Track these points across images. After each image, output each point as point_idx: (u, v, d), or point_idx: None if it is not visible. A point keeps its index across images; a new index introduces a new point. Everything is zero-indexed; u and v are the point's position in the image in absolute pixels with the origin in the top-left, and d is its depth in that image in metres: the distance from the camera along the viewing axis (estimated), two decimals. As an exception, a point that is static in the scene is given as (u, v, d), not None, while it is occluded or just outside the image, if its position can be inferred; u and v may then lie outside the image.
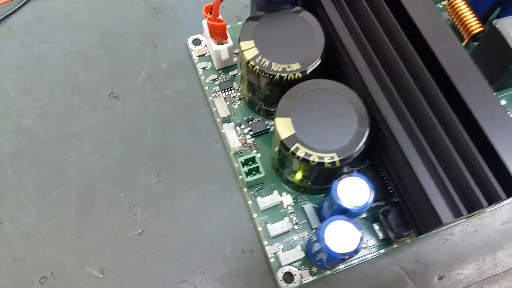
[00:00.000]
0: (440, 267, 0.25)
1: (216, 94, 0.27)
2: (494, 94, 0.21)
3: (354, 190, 0.21)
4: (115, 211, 0.26)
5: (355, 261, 0.24)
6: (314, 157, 0.21)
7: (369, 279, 0.24)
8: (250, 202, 0.25)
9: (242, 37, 0.23)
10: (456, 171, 0.20)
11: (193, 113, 0.28)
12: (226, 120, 0.27)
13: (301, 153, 0.21)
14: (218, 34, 0.26)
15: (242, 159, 0.24)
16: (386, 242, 0.24)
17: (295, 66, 0.23)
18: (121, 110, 0.28)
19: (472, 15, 0.28)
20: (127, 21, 0.31)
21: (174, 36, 0.30)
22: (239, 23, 0.30)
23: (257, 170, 0.24)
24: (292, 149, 0.21)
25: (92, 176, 0.26)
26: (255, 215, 0.25)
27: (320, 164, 0.21)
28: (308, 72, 0.23)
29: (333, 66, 0.24)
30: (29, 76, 0.29)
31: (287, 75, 0.23)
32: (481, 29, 0.28)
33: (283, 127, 0.21)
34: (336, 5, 0.24)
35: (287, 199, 0.25)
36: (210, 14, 0.25)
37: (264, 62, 0.23)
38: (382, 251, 0.24)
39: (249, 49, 0.23)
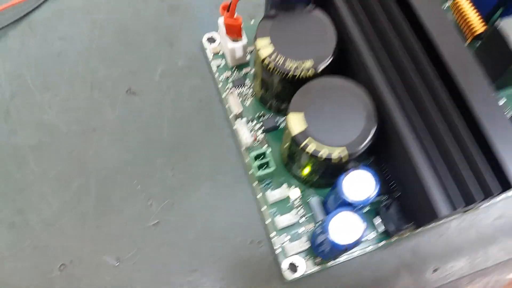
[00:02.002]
0: (435, 260, 0.26)
1: (230, 91, 0.28)
2: (494, 93, 0.22)
3: (359, 184, 0.22)
4: (132, 203, 0.27)
5: (355, 253, 0.25)
6: (324, 152, 0.22)
7: (368, 271, 0.25)
8: (259, 195, 0.26)
9: (259, 34, 0.24)
10: (455, 166, 0.21)
11: (208, 109, 0.29)
12: (238, 116, 0.28)
13: (311, 148, 0.22)
14: (235, 32, 0.27)
15: (254, 154, 0.25)
16: (385, 235, 0.25)
17: (308, 63, 0.23)
18: (138, 106, 0.29)
19: (476, 15, 0.29)
20: (144, 18, 0.32)
21: (189, 33, 0.31)
22: (252, 21, 0.31)
23: (267, 164, 0.25)
24: (304, 143, 0.22)
25: (111, 169, 0.28)
26: (264, 208, 0.26)
27: (328, 159, 0.22)
28: (320, 69, 0.23)
29: (344, 63, 0.25)
30: (50, 71, 0.30)
31: (301, 72, 0.23)
32: (484, 28, 0.28)
33: (296, 122, 0.22)
34: (348, 4, 0.25)
35: (295, 192, 0.26)
36: (228, 11, 0.26)
37: (279, 59, 0.24)
38: (381, 243, 0.25)
39: (265, 47, 0.24)
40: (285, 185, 0.26)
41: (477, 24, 0.29)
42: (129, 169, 0.28)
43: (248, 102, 0.28)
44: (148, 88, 0.30)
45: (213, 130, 0.28)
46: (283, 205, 0.26)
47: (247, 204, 0.26)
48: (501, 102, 0.28)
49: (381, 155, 0.25)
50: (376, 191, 0.22)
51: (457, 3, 0.29)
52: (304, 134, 0.22)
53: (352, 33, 0.24)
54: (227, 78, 0.29)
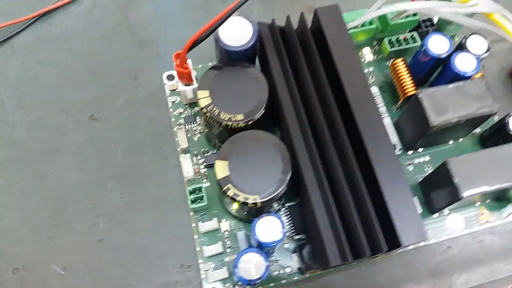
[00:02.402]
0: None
1: (180, 127, 0.32)
2: (397, 160, 0.25)
3: (269, 228, 0.25)
4: (81, 220, 0.30)
5: (271, 284, 0.28)
6: (241, 197, 0.25)
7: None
8: (193, 224, 0.29)
9: (200, 86, 0.27)
10: (351, 222, 0.24)
11: (160, 141, 0.32)
12: (185, 150, 0.31)
13: (231, 192, 0.25)
14: (185, 78, 0.30)
15: (190, 188, 0.28)
16: (301, 271, 0.28)
17: (240, 116, 0.27)
18: (98, 131, 0.33)
19: (409, 78, 0.32)
20: (115, 50, 0.35)
21: (153, 68, 0.34)
22: (210, 63, 0.34)
23: (201, 199, 0.28)
24: (225, 188, 0.25)
25: (67, 187, 0.31)
26: (195, 236, 0.29)
27: (245, 203, 0.25)
28: (250, 122, 0.27)
29: (273, 119, 0.28)
30: (25, 93, 0.34)
31: (232, 124, 0.27)
32: (414, 92, 0.31)
33: (221, 168, 0.26)
34: (282, 66, 0.28)
35: (225, 225, 0.29)
36: (179, 60, 0.29)
37: (214, 110, 0.27)
38: (295, 278, 0.28)
39: (204, 98, 0.27)
40: (215, 219, 0.29)
41: (409, 86, 0.32)
42: (83, 188, 0.31)
43: (196, 138, 0.32)
44: (109, 115, 0.33)
45: (162, 160, 0.32)
46: (213, 235, 0.29)
47: (183, 231, 0.30)
48: (426, 158, 0.32)
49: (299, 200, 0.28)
50: (281, 236, 0.25)
51: (395, 64, 0.32)
52: (225, 180, 0.25)
53: (281, 93, 0.27)
54: (180, 114, 0.32)
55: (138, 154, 0.32)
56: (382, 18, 0.34)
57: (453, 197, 0.27)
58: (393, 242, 0.24)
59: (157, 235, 0.30)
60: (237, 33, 0.28)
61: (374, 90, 0.34)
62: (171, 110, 0.32)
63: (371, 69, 0.34)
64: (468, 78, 0.30)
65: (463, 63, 0.30)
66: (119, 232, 0.30)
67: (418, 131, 0.30)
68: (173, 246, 0.30)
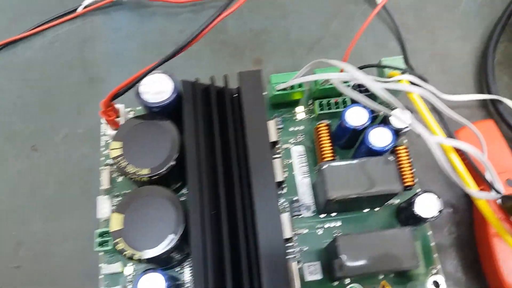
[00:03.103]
0: None
1: (105, 167, 0.33)
2: (311, 219, 0.26)
3: (155, 283, 0.26)
4: (3, 246, 0.32)
5: None
6: (128, 252, 0.26)
7: None
8: (100, 265, 0.31)
9: (114, 137, 0.29)
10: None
11: (89, 177, 0.34)
12: (106, 191, 0.33)
13: (119, 246, 0.27)
14: (111, 124, 0.32)
15: (99, 230, 0.30)
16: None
17: (145, 171, 0.28)
18: (36, 162, 0.35)
19: (329, 144, 0.32)
20: (66, 84, 0.38)
21: (96, 106, 0.36)
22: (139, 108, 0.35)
23: (106, 242, 0.30)
24: (116, 241, 0.27)
25: (-2, 212, 0.33)
26: (100, 277, 0.31)
27: (130, 258, 0.26)
28: (154, 178, 0.28)
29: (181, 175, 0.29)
30: (-23, 118, 0.36)
31: (137, 177, 0.28)
32: (330, 158, 0.32)
33: (116, 221, 0.27)
34: (196, 125, 0.29)
35: (129, 269, 0.31)
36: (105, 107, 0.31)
37: (122, 163, 0.28)
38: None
39: (115, 149, 0.29)
40: (119, 263, 0.31)
41: (327, 152, 0.32)
42: (11, 215, 0.33)
43: (120, 179, 0.33)
44: (48, 147, 0.35)
45: (87, 197, 0.34)
46: (116, 278, 0.31)
47: (93, 270, 0.32)
48: (337, 224, 0.32)
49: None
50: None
51: (318, 127, 0.33)
52: (118, 233, 0.27)
53: (186, 151, 0.28)
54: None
55: (66, 188, 0.34)
56: (314, 82, 0.34)
57: (339, 271, 0.27)
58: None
59: (70, 269, 0.32)
60: (157, 89, 0.29)
61: (300, 149, 0.34)
62: (102, 149, 0.34)
63: (301, 127, 0.35)
64: (382, 152, 0.30)
65: (378, 137, 0.30)
66: (37, 261, 0.32)
67: (322, 198, 0.30)
68: (82, 283, 0.31)
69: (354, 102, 0.34)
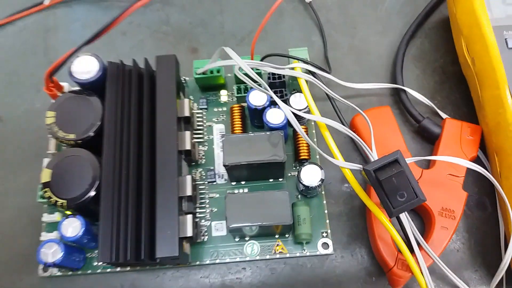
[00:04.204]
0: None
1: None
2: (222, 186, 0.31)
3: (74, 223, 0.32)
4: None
5: (79, 272, 0.35)
6: (52, 200, 0.32)
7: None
8: (43, 214, 0.37)
9: (50, 107, 0.35)
10: (130, 229, 0.31)
11: (42, 143, 0.40)
12: (52, 154, 0.39)
13: (47, 194, 0.32)
14: (54, 98, 0.37)
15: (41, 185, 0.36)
16: (111, 264, 0.35)
17: (72, 136, 0.34)
18: (0, 130, 0.41)
19: (239, 122, 0.37)
20: (29, 66, 0.44)
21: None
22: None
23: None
24: (43, 190, 0.32)
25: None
26: (43, 225, 0.37)
27: (55, 204, 0.32)
28: (79, 141, 0.34)
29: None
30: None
31: (66, 141, 0.34)
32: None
33: (45, 175, 0.33)
34: (116, 100, 0.35)
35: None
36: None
37: (54, 128, 0.34)
38: (108, 270, 0.35)
39: (50, 117, 0.34)
40: (58, 213, 0.36)
41: (237, 128, 0.37)
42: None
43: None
44: (11, 118, 0.41)
45: (39, 159, 0.39)
46: (54, 225, 0.36)
47: (37, 217, 0.37)
48: (245, 190, 0.37)
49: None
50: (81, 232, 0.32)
51: (232, 107, 0.38)
52: (46, 184, 0.32)
53: (105, 121, 0.34)
54: (59, 125, 0.40)
55: (23, 152, 0.40)
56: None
57: (227, 226, 0.32)
58: (152, 254, 0.30)
59: (21, 218, 0.38)
60: (86, 68, 0.35)
61: (221, 126, 0.40)
62: (52, 121, 0.40)
63: (224, 108, 0.40)
64: (278, 129, 0.35)
65: (274, 116, 0.35)
66: (-10, 212, 0.38)
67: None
68: (29, 230, 0.37)
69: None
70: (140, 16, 0.45)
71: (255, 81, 0.34)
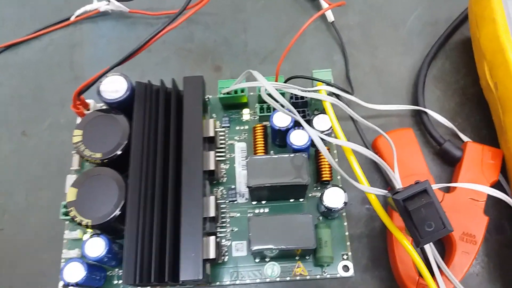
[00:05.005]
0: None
1: (75, 152, 0.40)
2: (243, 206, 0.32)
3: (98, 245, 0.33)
4: (-9, 211, 0.40)
5: None
6: (78, 219, 0.33)
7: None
8: (64, 231, 0.37)
9: (77, 126, 0.36)
10: (153, 252, 0.31)
11: (66, 159, 0.41)
12: (75, 171, 0.39)
13: (72, 214, 0.33)
14: (81, 116, 0.38)
15: (64, 202, 0.37)
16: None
17: (98, 155, 0.35)
18: (24, 145, 0.42)
19: (261, 142, 0.38)
20: (55, 81, 0.44)
21: (77, 101, 0.43)
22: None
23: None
24: (69, 209, 0.33)
25: (-11, 184, 0.41)
26: (64, 241, 0.37)
27: (79, 224, 0.33)
28: (105, 161, 0.34)
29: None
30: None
31: (92, 160, 0.35)
32: (261, 154, 0.37)
33: (71, 194, 0.33)
34: (144, 120, 0.35)
35: (86, 236, 0.37)
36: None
37: (81, 147, 0.35)
38: (129, 288, 0.36)
39: (77, 136, 0.35)
40: (79, 230, 0.37)
41: (260, 148, 0.38)
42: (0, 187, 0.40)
43: (88, 163, 0.40)
44: (35, 133, 0.42)
45: (62, 175, 0.40)
46: (76, 243, 0.37)
47: (59, 234, 0.38)
48: (266, 210, 0.38)
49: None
50: (104, 252, 0.32)
51: (255, 127, 0.39)
52: (71, 203, 0.33)
53: (132, 141, 0.35)
54: (83, 141, 0.41)
55: (47, 167, 0.41)
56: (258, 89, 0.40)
57: (250, 248, 0.33)
58: (175, 276, 0.31)
59: (43, 233, 0.39)
60: (114, 88, 0.36)
61: (242, 145, 0.40)
62: (77, 137, 0.41)
63: (246, 127, 0.41)
64: (301, 151, 0.35)
65: (297, 138, 0.36)
66: (17, 226, 0.39)
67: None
68: (51, 246, 0.38)
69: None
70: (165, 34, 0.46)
71: (279, 103, 0.34)
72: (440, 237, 0.27)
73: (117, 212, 0.33)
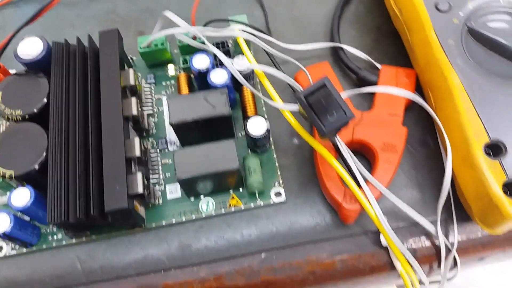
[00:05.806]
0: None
1: (3, 123, 0.40)
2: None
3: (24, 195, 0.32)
4: None
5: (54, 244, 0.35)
6: (0, 171, 0.32)
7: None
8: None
9: (-6, 87, 0.36)
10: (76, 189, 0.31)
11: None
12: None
13: (-6, 167, 0.33)
14: (3, 84, 0.38)
15: None
16: (69, 236, 0.35)
17: (18, 112, 0.35)
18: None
19: (186, 88, 0.39)
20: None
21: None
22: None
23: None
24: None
25: None
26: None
27: (4, 176, 0.32)
28: (26, 117, 0.35)
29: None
30: None
31: (13, 117, 0.35)
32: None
33: None
34: (61, 78, 0.36)
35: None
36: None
37: (1, 106, 0.35)
38: (63, 243, 0.35)
39: (-4, 96, 0.35)
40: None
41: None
42: None
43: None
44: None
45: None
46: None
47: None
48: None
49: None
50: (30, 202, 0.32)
51: (178, 77, 0.40)
52: (-6, 155, 0.33)
53: (51, 97, 0.35)
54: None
55: None
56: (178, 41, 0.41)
57: (176, 179, 0.33)
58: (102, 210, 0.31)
59: None
60: (31, 49, 0.36)
61: (170, 98, 0.41)
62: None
63: (173, 82, 0.42)
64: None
65: (218, 76, 0.37)
66: None
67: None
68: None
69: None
70: (88, 9, 0.47)
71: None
72: (343, 124, 0.28)
73: (39, 160, 0.33)
